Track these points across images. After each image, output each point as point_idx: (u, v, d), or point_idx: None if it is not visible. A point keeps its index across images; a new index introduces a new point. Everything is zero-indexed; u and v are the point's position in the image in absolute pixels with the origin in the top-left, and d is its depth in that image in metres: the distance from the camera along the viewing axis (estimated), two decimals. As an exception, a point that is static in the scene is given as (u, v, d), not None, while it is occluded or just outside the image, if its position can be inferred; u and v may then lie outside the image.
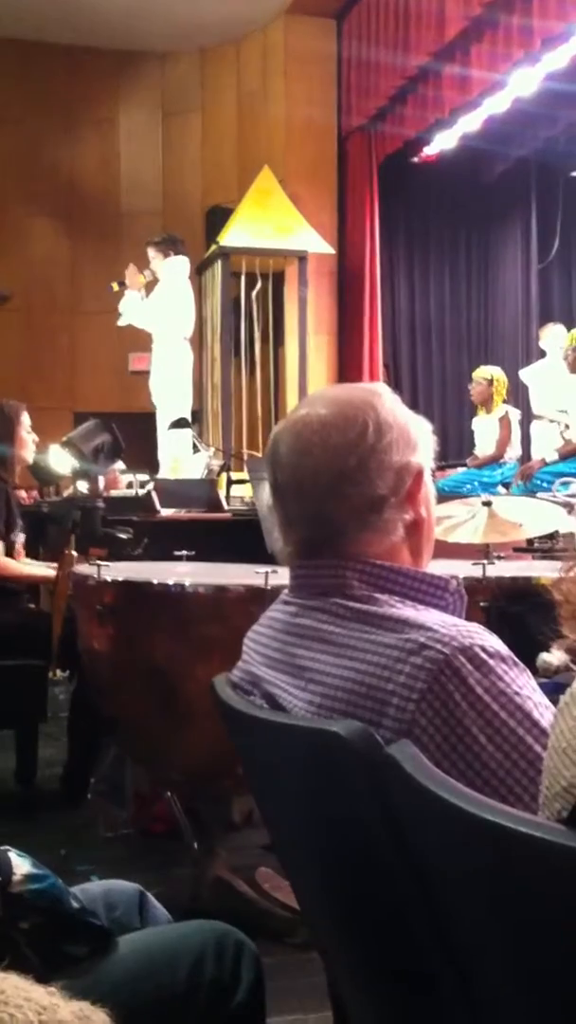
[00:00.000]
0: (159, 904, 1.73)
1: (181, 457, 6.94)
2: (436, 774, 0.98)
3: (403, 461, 1.36)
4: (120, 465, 6.77)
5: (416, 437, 1.40)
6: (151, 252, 7.52)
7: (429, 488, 1.42)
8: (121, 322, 7.70)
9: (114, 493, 6.12)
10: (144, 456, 7.35)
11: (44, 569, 4.30)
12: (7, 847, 1.44)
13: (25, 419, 4.35)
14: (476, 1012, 1.06)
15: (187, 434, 6.95)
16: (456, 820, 0.92)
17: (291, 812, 1.36)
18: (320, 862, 1.32)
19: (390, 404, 1.39)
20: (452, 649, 1.18)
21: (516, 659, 1.22)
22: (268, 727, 1.28)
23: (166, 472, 6.93)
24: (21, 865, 1.41)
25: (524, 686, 1.20)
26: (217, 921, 1.61)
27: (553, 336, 8.51)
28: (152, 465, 7.26)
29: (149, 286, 7.56)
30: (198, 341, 9.43)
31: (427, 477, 1.41)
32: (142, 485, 6.02)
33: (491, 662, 1.18)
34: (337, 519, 1.35)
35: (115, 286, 7.58)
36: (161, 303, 7.44)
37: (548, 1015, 0.92)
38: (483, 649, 1.19)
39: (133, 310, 7.57)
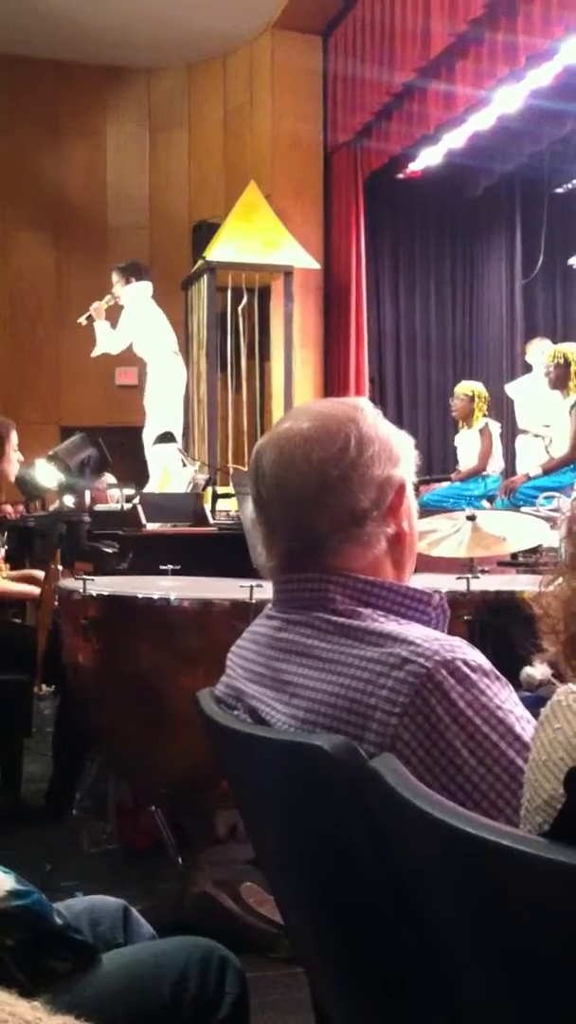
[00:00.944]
0: (143, 919, 1.73)
1: (170, 470, 6.95)
2: (419, 787, 0.98)
3: (385, 475, 1.37)
4: (110, 479, 6.78)
5: (398, 451, 1.40)
6: (115, 277, 7.84)
7: (411, 502, 1.42)
8: (95, 353, 7.87)
9: (99, 507, 6.12)
10: (131, 470, 7.36)
11: (25, 587, 4.29)
12: (-9, 863, 1.44)
13: (14, 437, 4.37)
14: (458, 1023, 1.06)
15: (173, 448, 6.97)
16: (438, 833, 0.92)
17: (275, 826, 1.36)
18: (304, 876, 1.32)
19: (372, 419, 1.40)
20: (435, 663, 1.18)
21: (498, 673, 1.22)
22: (252, 741, 1.29)
23: (155, 486, 6.95)
24: (5, 881, 1.40)
25: (506, 700, 1.20)
26: (202, 937, 1.61)
27: (539, 351, 8.54)
28: (140, 479, 7.26)
29: (112, 311, 7.75)
30: (184, 356, 9.45)
31: (409, 491, 1.42)
32: (128, 499, 6.02)
33: (473, 676, 1.19)
34: (320, 531, 1.35)
35: (83, 321, 7.79)
36: (127, 328, 7.66)
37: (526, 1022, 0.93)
38: (465, 663, 1.19)
39: (104, 339, 7.77)
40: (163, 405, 7.66)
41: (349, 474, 1.34)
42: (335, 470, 1.34)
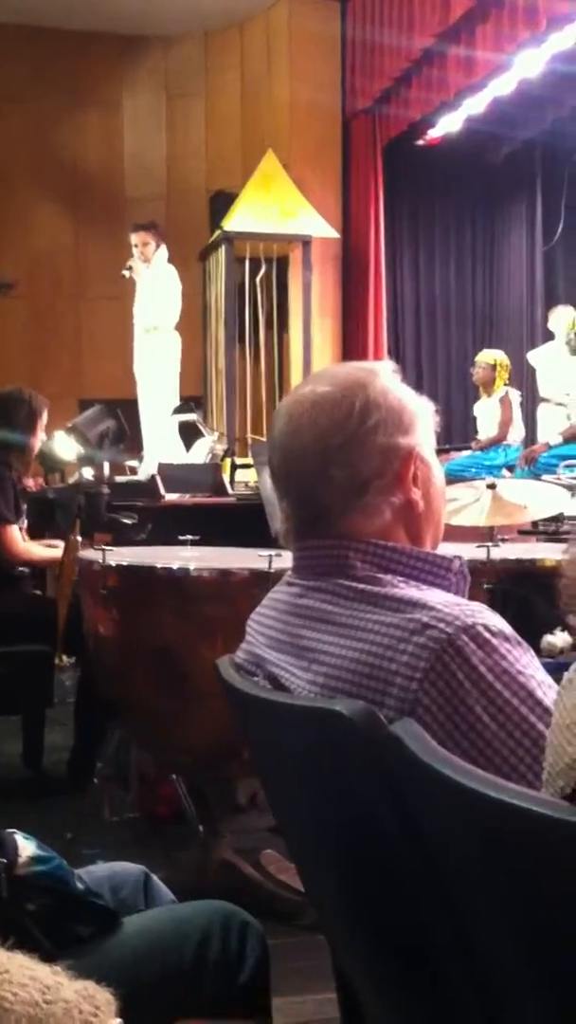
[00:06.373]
0: (163, 886, 1.74)
1: (173, 446, 6.88)
2: (439, 752, 0.98)
3: (390, 443, 1.34)
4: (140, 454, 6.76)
5: (409, 419, 1.37)
6: (144, 236, 7.38)
7: (430, 469, 1.40)
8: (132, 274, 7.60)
9: (119, 478, 6.12)
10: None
11: (50, 551, 4.34)
12: (13, 830, 1.44)
13: (45, 415, 4.42)
14: (480, 990, 1.06)
15: (174, 424, 6.89)
16: (459, 797, 0.91)
17: (295, 793, 1.36)
18: (324, 843, 1.32)
19: (383, 384, 1.37)
20: (455, 628, 1.17)
21: (520, 638, 1.21)
22: (271, 708, 1.28)
23: (169, 456, 6.91)
24: (27, 847, 1.42)
25: (527, 665, 1.19)
26: (223, 901, 1.62)
27: (561, 318, 8.47)
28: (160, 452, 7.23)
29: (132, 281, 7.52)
30: (202, 327, 9.41)
31: (427, 458, 1.39)
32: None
33: (494, 641, 1.18)
34: (322, 501, 1.35)
35: (127, 273, 7.54)
36: (167, 294, 7.40)
37: (549, 990, 0.92)
38: (486, 628, 1.18)
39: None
40: (167, 378, 7.51)
41: (350, 443, 1.33)
42: (336, 439, 1.33)
